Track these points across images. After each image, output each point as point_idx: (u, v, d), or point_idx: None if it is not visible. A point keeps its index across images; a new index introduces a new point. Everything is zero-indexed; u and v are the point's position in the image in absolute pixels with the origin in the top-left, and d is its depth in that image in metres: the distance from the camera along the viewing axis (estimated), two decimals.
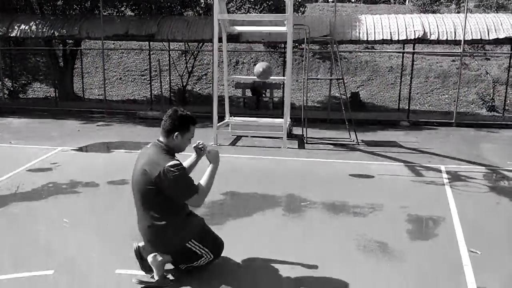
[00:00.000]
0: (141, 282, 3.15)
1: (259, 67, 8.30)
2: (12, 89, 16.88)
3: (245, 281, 3.25)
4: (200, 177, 3.19)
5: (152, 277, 3.18)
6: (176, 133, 3.12)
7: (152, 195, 3.06)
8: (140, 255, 3.29)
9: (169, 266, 3.30)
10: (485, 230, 4.34)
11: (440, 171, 6.61)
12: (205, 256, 3.20)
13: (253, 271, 3.43)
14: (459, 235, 4.16)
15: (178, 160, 3.07)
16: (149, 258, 3.15)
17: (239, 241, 3.92)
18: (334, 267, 3.50)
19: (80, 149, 7.90)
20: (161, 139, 3.18)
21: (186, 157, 3.50)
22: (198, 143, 3.39)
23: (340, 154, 7.77)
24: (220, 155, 3.33)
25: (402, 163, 7.08)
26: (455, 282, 3.28)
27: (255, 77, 8.42)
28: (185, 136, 3.16)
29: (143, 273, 3.28)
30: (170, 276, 3.24)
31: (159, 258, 3.14)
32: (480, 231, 4.31)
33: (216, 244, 3.32)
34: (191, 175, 3.22)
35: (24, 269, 3.38)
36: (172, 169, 2.96)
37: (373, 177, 6.29)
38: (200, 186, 3.10)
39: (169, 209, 3.12)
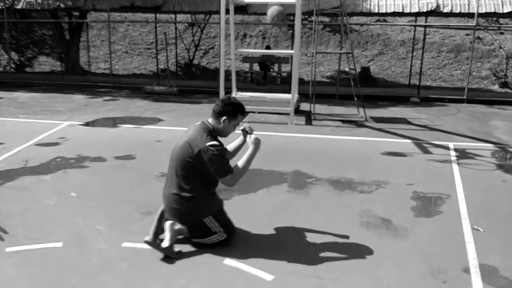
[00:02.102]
0: (149, 243, 3.25)
1: (273, 11, 7.10)
2: (18, 62, 16.90)
3: (249, 253, 3.32)
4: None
5: (160, 243, 3.27)
6: (225, 117, 3.31)
7: (189, 168, 3.26)
8: (160, 218, 3.46)
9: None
10: (489, 208, 4.34)
11: (448, 148, 6.57)
12: (219, 234, 3.37)
13: (256, 242, 3.49)
14: (463, 213, 4.17)
15: (218, 141, 3.29)
16: (167, 224, 3.33)
17: (244, 214, 3.97)
18: (336, 242, 3.55)
19: (87, 124, 7.94)
20: (210, 120, 3.39)
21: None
22: (246, 126, 3.53)
23: (347, 131, 7.73)
24: None
25: (410, 140, 7.04)
26: (457, 258, 3.31)
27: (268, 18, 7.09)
28: (232, 122, 3.36)
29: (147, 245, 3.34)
30: (177, 248, 3.31)
31: (176, 227, 3.34)
32: (484, 208, 4.31)
33: (230, 226, 3.48)
34: (236, 156, 3.53)
35: (34, 241, 3.47)
36: (211, 148, 3.19)
37: (380, 154, 6.27)
38: (235, 168, 3.30)
39: (198, 185, 3.31)
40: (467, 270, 3.15)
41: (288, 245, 3.49)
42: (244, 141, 3.59)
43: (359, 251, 3.40)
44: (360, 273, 3.09)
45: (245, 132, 3.52)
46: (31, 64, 17.41)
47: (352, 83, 9.11)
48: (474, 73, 15.40)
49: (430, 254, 3.36)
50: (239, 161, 3.32)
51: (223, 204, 3.57)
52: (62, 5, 13.00)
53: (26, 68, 16.94)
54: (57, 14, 15.35)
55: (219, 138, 3.38)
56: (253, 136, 3.39)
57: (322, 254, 3.35)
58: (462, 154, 6.27)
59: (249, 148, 3.37)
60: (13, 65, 16.12)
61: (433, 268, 3.16)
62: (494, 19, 16.97)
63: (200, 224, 3.34)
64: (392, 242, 3.56)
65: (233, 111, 3.33)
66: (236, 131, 3.48)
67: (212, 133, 3.31)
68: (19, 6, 13.35)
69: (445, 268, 3.16)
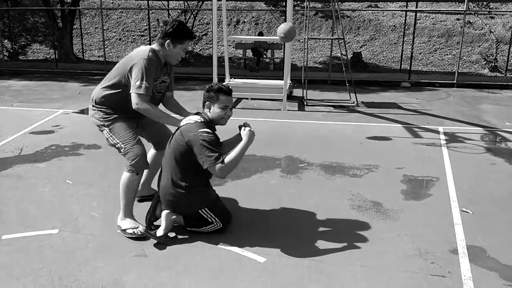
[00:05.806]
0: (145, 233, 3.31)
1: (284, 28, 6.55)
2: (11, 50, 16.72)
3: (242, 237, 3.39)
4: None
5: (155, 231, 3.34)
6: (207, 102, 3.33)
7: (182, 158, 3.25)
8: (155, 205, 3.53)
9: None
10: (478, 190, 4.43)
11: (438, 132, 6.65)
12: (214, 224, 3.42)
13: (249, 226, 3.56)
14: (452, 195, 4.26)
15: (212, 131, 3.28)
16: (164, 213, 3.38)
17: (237, 199, 4.05)
18: (327, 225, 3.62)
19: (82, 112, 7.93)
20: (205, 111, 3.38)
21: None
22: (245, 123, 3.49)
23: (339, 116, 7.79)
24: None
25: (401, 125, 7.12)
26: (446, 240, 3.39)
27: (278, 37, 6.70)
28: (215, 104, 3.30)
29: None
30: (171, 234, 3.38)
31: (172, 216, 3.39)
32: (473, 191, 4.39)
33: (225, 215, 3.52)
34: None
35: (30, 228, 3.52)
36: (203, 134, 3.17)
37: (371, 138, 6.34)
38: (226, 158, 3.18)
39: (192, 176, 3.31)
40: (455, 251, 3.22)
41: (280, 229, 3.56)
42: (240, 137, 3.54)
43: (349, 234, 3.48)
44: (350, 255, 3.17)
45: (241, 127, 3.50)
46: (24, 52, 17.24)
47: (344, 69, 9.14)
48: (465, 58, 15.47)
49: (419, 236, 3.44)
50: (231, 153, 3.24)
51: (217, 195, 3.60)
52: None
53: (19, 56, 16.78)
54: (49, 2, 15.16)
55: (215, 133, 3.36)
56: (247, 129, 3.32)
57: (313, 237, 3.43)
58: (452, 137, 6.36)
59: (242, 140, 3.30)
60: (6, 53, 15.96)
61: (421, 249, 3.24)
62: (485, 3, 16.97)
63: (196, 215, 3.39)
64: (382, 225, 3.64)
65: (212, 95, 3.29)
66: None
67: (207, 123, 3.31)
68: None
69: (434, 250, 3.23)
